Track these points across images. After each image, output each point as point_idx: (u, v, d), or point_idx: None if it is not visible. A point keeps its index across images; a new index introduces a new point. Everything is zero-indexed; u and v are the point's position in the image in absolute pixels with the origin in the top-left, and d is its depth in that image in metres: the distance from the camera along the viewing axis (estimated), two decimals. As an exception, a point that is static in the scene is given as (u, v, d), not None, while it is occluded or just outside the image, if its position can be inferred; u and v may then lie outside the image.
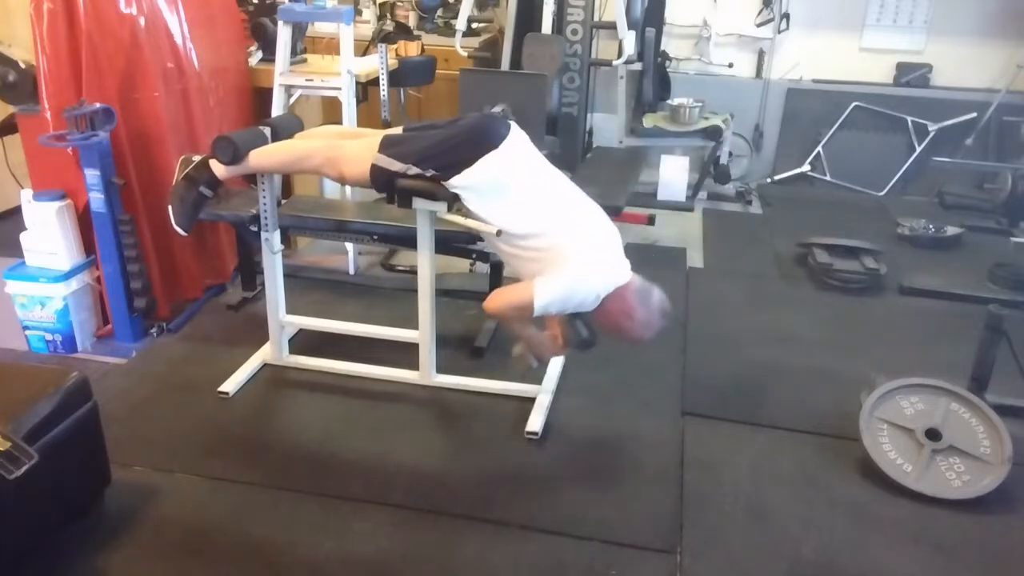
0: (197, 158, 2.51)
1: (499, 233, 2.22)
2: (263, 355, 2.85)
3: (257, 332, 2.91)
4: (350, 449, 2.42)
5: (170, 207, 2.49)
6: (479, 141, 2.25)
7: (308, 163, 2.44)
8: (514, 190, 2.25)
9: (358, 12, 4.61)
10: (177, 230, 2.50)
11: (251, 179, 2.62)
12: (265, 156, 2.44)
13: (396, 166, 2.27)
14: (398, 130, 2.44)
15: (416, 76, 4.03)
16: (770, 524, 2.14)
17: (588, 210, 2.34)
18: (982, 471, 2.26)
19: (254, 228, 2.70)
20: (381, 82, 3.65)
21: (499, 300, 2.31)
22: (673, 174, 4.63)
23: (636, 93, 4.97)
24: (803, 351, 3.08)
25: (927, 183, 5.10)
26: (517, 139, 2.31)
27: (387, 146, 2.30)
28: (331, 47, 4.11)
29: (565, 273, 2.20)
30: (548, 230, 2.22)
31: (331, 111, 3.91)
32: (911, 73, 5.12)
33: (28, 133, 2.88)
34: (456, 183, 2.23)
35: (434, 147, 2.27)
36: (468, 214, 2.29)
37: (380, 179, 2.31)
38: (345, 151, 2.36)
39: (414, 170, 2.26)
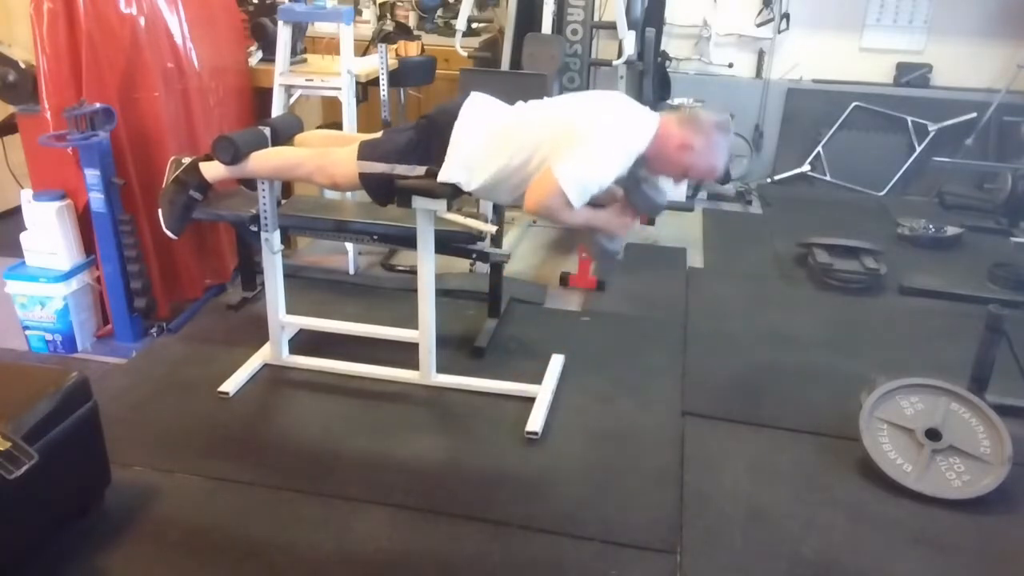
0: (187, 160, 2.52)
1: (499, 233, 2.21)
2: (263, 355, 2.85)
3: (257, 332, 2.91)
4: (350, 449, 2.42)
5: (160, 211, 2.50)
6: (442, 119, 2.27)
7: (299, 171, 2.45)
8: (495, 136, 2.24)
9: (358, 12, 4.61)
10: (167, 233, 2.51)
11: (241, 181, 2.63)
12: (259, 161, 2.45)
13: (380, 167, 2.28)
14: (377, 135, 2.46)
15: (416, 76, 4.03)
16: (770, 524, 2.14)
17: (581, 97, 2.28)
18: (982, 471, 2.26)
19: (254, 228, 2.70)
20: (381, 82, 3.65)
21: (533, 199, 2.14)
22: (670, 187, 4.62)
23: (636, 93, 4.97)
24: (803, 351, 3.08)
25: (927, 183, 5.11)
26: (473, 100, 2.32)
27: (364, 152, 2.32)
28: (331, 47, 4.11)
29: (578, 146, 2.09)
30: (541, 138, 2.17)
31: (331, 111, 3.92)
32: (911, 73, 5.12)
33: (28, 133, 2.88)
34: (447, 171, 2.24)
35: (409, 142, 2.30)
36: (480, 198, 2.26)
37: (372, 184, 2.32)
38: (335, 157, 2.37)
39: (400, 168, 2.27)
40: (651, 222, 4.30)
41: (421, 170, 2.28)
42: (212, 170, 2.47)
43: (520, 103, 2.35)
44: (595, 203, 2.20)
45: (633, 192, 2.22)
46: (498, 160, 2.23)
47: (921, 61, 5.12)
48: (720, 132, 2.17)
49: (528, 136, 2.20)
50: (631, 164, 2.15)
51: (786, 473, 2.36)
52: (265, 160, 2.46)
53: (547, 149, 2.15)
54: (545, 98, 2.35)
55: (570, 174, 2.07)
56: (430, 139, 2.28)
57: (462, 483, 2.27)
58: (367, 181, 2.31)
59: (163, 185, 2.52)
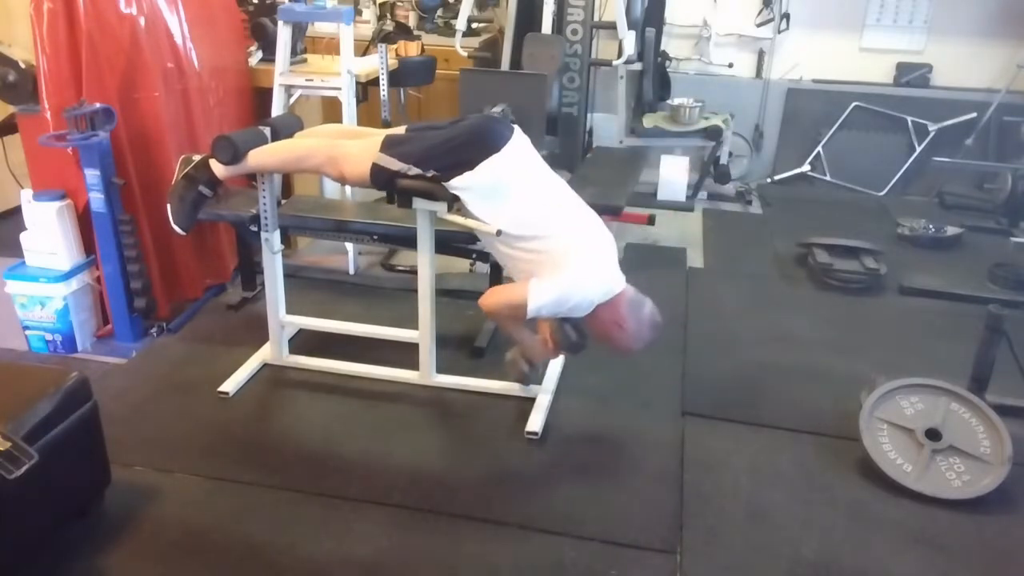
0: (197, 158, 2.51)
1: (498, 233, 2.22)
2: (263, 355, 2.85)
3: (257, 332, 2.91)
4: (350, 449, 2.42)
5: (169, 206, 2.49)
6: (481, 144, 2.25)
7: (309, 162, 2.44)
8: (514, 193, 2.26)
9: (358, 12, 4.61)
10: (176, 229, 2.50)
11: (252, 178, 2.62)
12: (266, 155, 2.44)
13: (397, 165, 2.28)
14: (401, 130, 2.44)
15: (416, 76, 4.03)
16: (770, 524, 2.14)
17: (585, 217, 2.36)
18: (982, 471, 2.26)
19: (254, 228, 2.70)
20: (381, 82, 3.65)
21: (494, 298, 2.35)
22: (673, 174, 4.64)
23: (636, 93, 4.97)
24: (803, 351, 3.08)
25: (927, 183, 5.11)
26: (519, 142, 2.32)
27: (389, 146, 2.30)
28: (331, 47, 4.11)
29: (561, 277, 2.22)
30: (546, 233, 2.24)
31: (331, 111, 3.91)
32: (911, 73, 5.12)
33: (28, 133, 2.88)
34: (457, 184, 2.23)
35: (436, 148, 2.27)
36: (467, 214, 2.30)
37: (380, 178, 2.31)
38: (346, 150, 2.36)
39: (415, 170, 2.27)
40: (651, 222, 4.30)
41: (432, 174, 2.28)
42: (223, 166, 2.47)
43: (547, 179, 2.36)
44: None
45: (560, 331, 2.40)
46: (504, 221, 2.23)
47: (921, 61, 5.12)
48: (652, 330, 2.35)
49: (538, 235, 2.24)
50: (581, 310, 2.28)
51: (786, 473, 2.36)
52: (273, 153, 2.45)
53: (537, 264, 2.25)
54: (565, 193, 2.37)
55: (541, 294, 2.21)
56: (458, 155, 2.25)
57: (462, 483, 2.27)
58: (377, 173, 2.30)
59: (172, 182, 2.51)
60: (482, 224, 2.26)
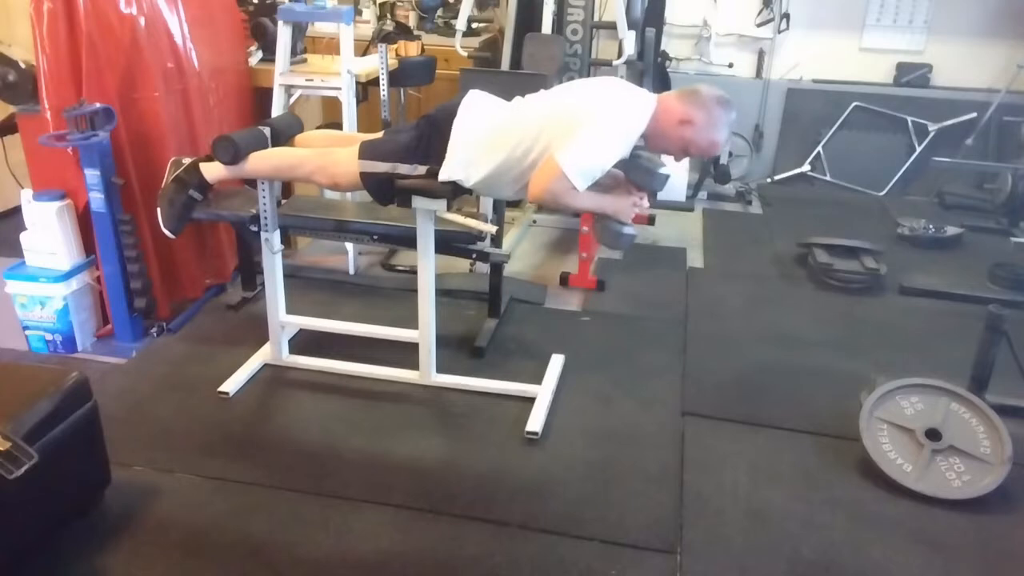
0: (187, 160, 2.52)
1: (499, 233, 2.22)
2: (263, 355, 2.85)
3: (257, 332, 2.91)
4: (350, 449, 2.42)
5: (159, 209, 2.50)
6: (442, 117, 2.28)
7: (300, 171, 2.45)
8: (493, 131, 2.25)
9: (358, 12, 4.60)
10: (166, 232, 2.51)
11: (244, 181, 2.63)
12: (260, 161, 2.45)
13: (383, 167, 2.29)
14: (378, 135, 2.46)
15: (416, 76, 4.03)
16: (770, 524, 2.14)
17: (576, 84, 2.30)
18: (982, 471, 2.26)
19: (254, 228, 2.70)
20: (381, 82, 3.65)
21: (536, 187, 2.17)
22: (672, 170, 4.62)
23: (636, 93, 4.96)
24: (803, 351, 3.08)
25: (927, 183, 5.10)
26: (471, 98, 2.33)
27: (365, 152, 2.32)
28: (331, 47, 4.11)
29: (577, 133, 2.10)
30: (541, 127, 2.18)
31: (331, 111, 3.92)
32: (911, 73, 5.12)
33: (28, 133, 2.88)
34: (447, 169, 2.24)
35: (410, 141, 2.30)
36: (482, 194, 2.27)
37: (373, 184, 2.33)
38: (335, 157, 2.37)
39: (402, 167, 2.28)
40: (651, 222, 4.30)
41: (423, 169, 2.29)
42: (212, 170, 2.48)
43: (518, 98, 2.36)
44: (600, 187, 2.23)
45: (633, 170, 2.24)
46: (499, 153, 2.24)
47: (921, 61, 5.12)
48: (720, 107, 2.17)
49: (528, 127, 2.21)
50: (632, 145, 2.17)
51: (786, 473, 2.36)
52: (265, 160, 2.46)
53: (547, 138, 2.17)
54: (542, 91, 2.36)
55: (572, 159, 2.09)
56: (431, 138, 2.28)
57: (462, 483, 2.27)
58: (368, 181, 2.32)
59: (162, 185, 2.53)
60: (483, 224, 2.26)
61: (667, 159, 2.28)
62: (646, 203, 2.30)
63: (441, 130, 2.27)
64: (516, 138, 2.22)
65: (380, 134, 2.47)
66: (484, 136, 2.26)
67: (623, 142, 2.15)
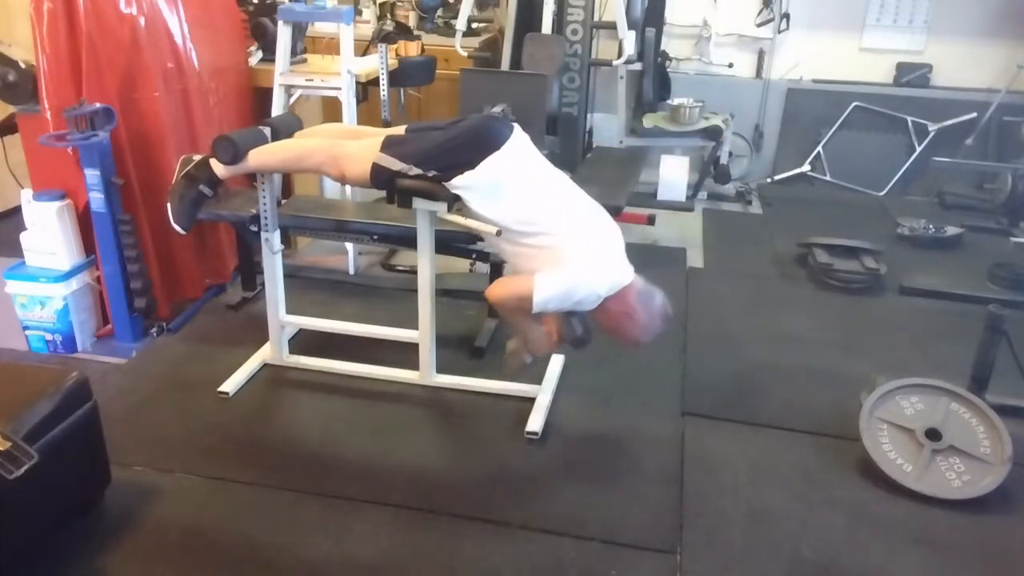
0: (197, 157, 2.51)
1: (499, 233, 2.22)
2: (263, 355, 2.85)
3: (257, 332, 2.91)
4: (350, 449, 2.42)
5: (169, 205, 2.49)
6: (481, 143, 2.25)
7: (309, 162, 2.44)
8: (516, 190, 2.25)
9: (358, 12, 4.61)
10: (176, 228, 2.50)
11: (252, 177, 2.63)
12: (266, 155, 2.44)
13: (397, 165, 2.28)
14: (400, 130, 2.45)
15: (416, 76, 4.03)
16: (770, 524, 2.15)
17: (590, 211, 2.34)
18: (982, 471, 2.26)
19: (254, 228, 2.70)
20: (381, 82, 3.65)
21: (500, 289, 2.32)
22: (673, 174, 4.63)
23: (636, 93, 4.97)
24: (803, 351, 3.08)
25: (927, 183, 5.10)
26: (519, 141, 2.32)
27: (389, 146, 2.30)
28: (331, 47, 4.11)
29: (566, 272, 2.20)
30: (549, 229, 2.23)
31: (331, 111, 3.91)
32: (911, 73, 5.12)
33: (28, 133, 2.88)
34: (457, 183, 2.23)
35: (436, 148, 2.27)
36: (468, 213, 2.30)
37: (380, 177, 2.31)
38: (347, 150, 2.36)
39: (415, 170, 2.27)
40: (651, 222, 4.30)
41: (432, 174, 2.27)
42: (223, 166, 2.47)
43: (556, 174, 2.37)
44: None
45: (565, 323, 2.36)
46: (506, 217, 2.23)
47: (921, 61, 5.11)
48: (663, 322, 2.33)
49: (539, 231, 2.22)
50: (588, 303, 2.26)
51: (786, 473, 2.36)
52: (273, 153, 2.45)
53: (542, 260, 2.22)
54: (568, 187, 2.36)
55: (546, 288, 2.18)
56: (459, 152, 2.25)
57: (462, 483, 2.27)
58: (377, 172, 2.30)
59: (172, 181, 2.52)
60: (483, 224, 2.26)
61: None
62: (555, 345, 2.46)
63: (473, 150, 2.24)
64: (527, 227, 2.22)
65: (402, 129, 2.44)
66: (506, 195, 2.24)
67: (588, 299, 2.23)
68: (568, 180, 2.40)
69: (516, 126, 2.35)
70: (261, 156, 2.43)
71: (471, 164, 2.22)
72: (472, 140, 2.26)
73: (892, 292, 3.64)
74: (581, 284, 2.20)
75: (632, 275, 2.30)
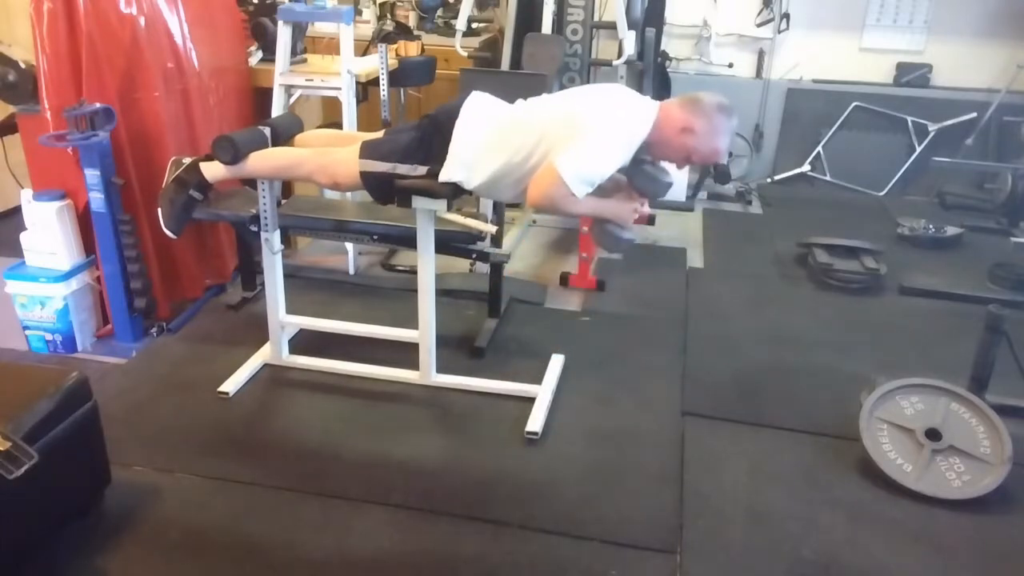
0: (187, 160, 2.52)
1: (499, 233, 2.22)
2: (263, 355, 2.85)
3: (257, 332, 2.91)
4: (350, 449, 2.42)
5: (160, 209, 2.50)
6: (444, 117, 2.28)
7: (300, 170, 2.45)
8: (499, 135, 2.25)
9: (358, 12, 4.60)
10: (167, 232, 2.51)
11: (244, 181, 2.63)
12: (260, 161, 2.45)
13: (383, 166, 2.29)
14: (378, 134, 2.46)
15: (416, 76, 4.03)
16: (770, 524, 2.14)
17: (577, 90, 2.30)
18: (982, 471, 2.26)
19: (254, 228, 2.70)
20: (381, 82, 3.65)
21: (535, 193, 2.15)
22: (673, 174, 4.63)
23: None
24: (803, 351, 3.08)
25: (927, 183, 5.11)
26: (474, 99, 2.33)
27: (366, 151, 2.32)
28: (331, 47, 4.11)
29: (577, 139, 2.10)
30: (540, 134, 2.18)
31: (331, 111, 3.91)
32: (911, 73, 5.12)
33: (28, 133, 2.88)
34: (447, 170, 2.24)
35: (411, 141, 2.30)
36: (482, 196, 2.27)
37: (373, 183, 2.32)
38: (335, 157, 2.37)
39: (402, 167, 2.28)
40: (651, 222, 4.30)
41: (423, 170, 2.29)
42: (212, 170, 2.47)
43: (520, 101, 2.36)
44: (601, 192, 2.22)
45: (636, 176, 2.24)
46: (500, 157, 2.23)
47: (921, 61, 5.12)
48: (722, 114, 2.17)
49: (529, 132, 2.21)
50: (633, 152, 2.17)
51: (786, 473, 2.36)
52: (265, 160, 2.46)
53: (548, 143, 2.17)
54: (545, 95, 2.36)
55: (571, 165, 2.09)
56: (432, 138, 2.28)
57: (462, 483, 2.27)
58: (368, 180, 2.32)
59: (163, 185, 2.53)
60: (483, 224, 2.26)
61: (669, 166, 2.28)
62: (647, 208, 2.30)
63: (443, 131, 2.27)
64: (518, 142, 2.22)
65: (381, 133, 2.47)
66: (485, 138, 2.26)
67: (624, 149, 2.15)
68: (550, 96, 2.35)
69: (473, 92, 2.35)
70: (255, 163, 2.44)
71: (446, 143, 2.24)
72: (436, 120, 2.29)
73: (892, 292, 3.64)
74: (602, 137, 2.10)
75: (657, 104, 2.20)
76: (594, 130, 2.11)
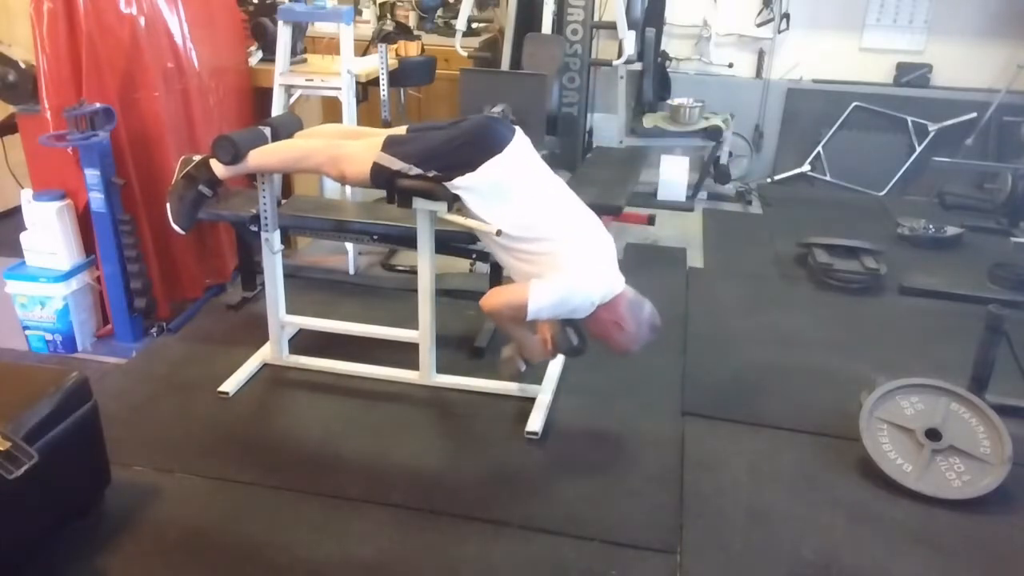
0: (197, 157, 2.51)
1: (499, 233, 2.23)
2: (263, 355, 2.85)
3: (257, 332, 2.91)
4: (350, 449, 2.42)
5: (169, 205, 2.50)
6: (483, 144, 2.25)
7: (309, 162, 2.44)
8: (515, 194, 2.26)
9: (358, 12, 4.61)
10: (176, 228, 2.51)
11: (252, 178, 2.63)
12: (266, 155, 2.44)
13: (398, 165, 2.28)
14: (402, 130, 2.45)
15: (416, 76, 4.03)
16: (770, 524, 2.14)
17: (585, 219, 2.36)
18: (982, 471, 2.26)
19: (254, 228, 2.70)
20: (381, 82, 3.65)
21: (495, 299, 2.34)
22: (673, 174, 4.64)
23: (636, 93, 4.97)
24: (803, 351, 3.08)
25: (927, 183, 5.10)
26: (520, 143, 2.32)
27: (390, 145, 2.31)
28: (331, 47, 4.11)
29: (561, 279, 2.22)
30: (546, 235, 2.24)
31: (331, 111, 3.91)
32: (911, 73, 5.12)
33: (28, 133, 2.88)
34: (458, 184, 2.23)
35: (437, 148, 2.28)
36: (468, 214, 2.30)
37: (380, 177, 2.31)
38: (347, 150, 2.36)
39: (415, 170, 2.27)
40: (651, 222, 4.30)
41: (432, 174, 2.28)
42: (223, 166, 2.47)
43: (555, 180, 2.38)
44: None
45: (560, 332, 2.40)
46: (504, 222, 2.23)
47: (921, 61, 5.12)
48: (651, 331, 2.36)
49: (538, 238, 2.24)
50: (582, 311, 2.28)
51: (786, 473, 2.36)
52: (273, 153, 2.45)
53: (540, 268, 2.24)
54: (565, 193, 2.37)
55: (541, 295, 2.20)
56: (459, 153, 2.25)
57: (462, 483, 2.27)
58: (378, 172, 2.30)
59: (172, 182, 2.52)
60: (482, 224, 2.26)
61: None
62: (550, 353, 2.53)
63: (475, 151, 2.24)
64: (525, 232, 2.23)
65: (403, 129, 2.45)
66: (506, 199, 2.25)
67: (583, 306, 2.25)
68: (564, 186, 2.41)
69: (518, 129, 2.36)
70: (261, 156, 2.43)
71: (472, 165, 2.22)
72: (473, 141, 2.26)
73: (892, 292, 3.64)
74: (576, 291, 2.22)
75: (623, 284, 2.32)
76: (576, 279, 2.23)
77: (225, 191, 2.71)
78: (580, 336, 2.38)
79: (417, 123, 2.56)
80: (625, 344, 2.35)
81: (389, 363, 2.80)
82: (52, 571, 1.90)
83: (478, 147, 2.24)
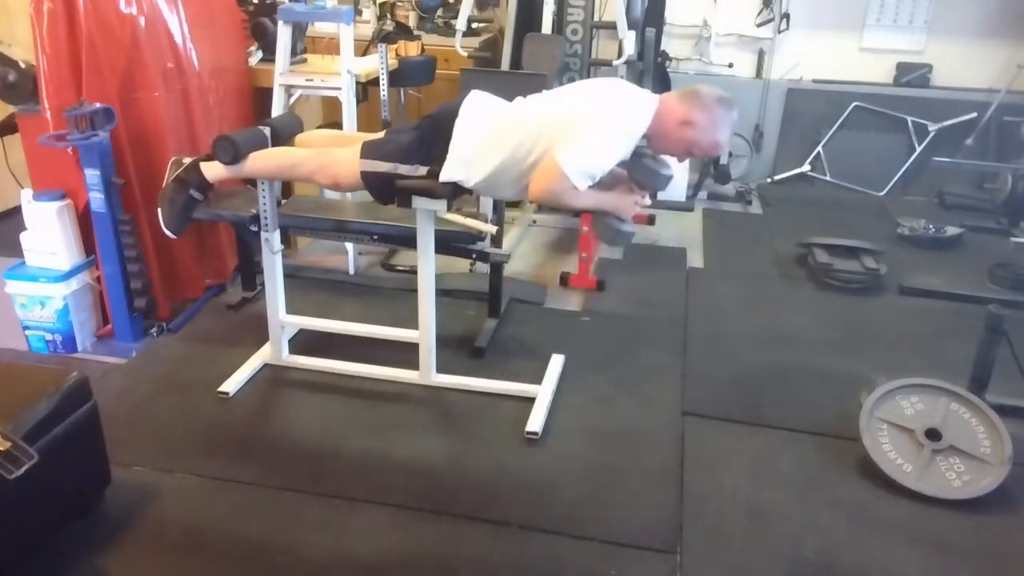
0: (187, 160, 2.52)
1: (498, 233, 2.22)
2: (263, 355, 2.85)
3: (257, 332, 2.91)
4: (350, 449, 2.42)
5: (160, 209, 2.51)
6: (444, 116, 2.28)
7: (301, 170, 2.45)
8: (500, 132, 2.25)
9: (358, 12, 4.60)
10: (167, 232, 2.52)
11: (244, 180, 2.63)
12: (260, 161, 2.45)
13: (384, 166, 2.29)
14: (379, 135, 2.46)
15: (416, 76, 4.03)
16: (770, 524, 2.14)
17: (575, 85, 2.32)
18: (982, 471, 2.26)
19: (254, 228, 2.70)
20: (381, 82, 3.65)
21: (537, 186, 2.19)
22: (673, 173, 4.62)
23: (636, 93, 4.96)
24: (803, 351, 3.08)
25: (927, 183, 5.10)
26: (474, 97, 2.33)
27: (367, 151, 2.32)
28: (331, 47, 4.11)
29: (576, 130, 2.12)
30: (539, 128, 2.19)
31: (331, 111, 3.92)
32: (911, 73, 5.12)
33: (28, 133, 2.88)
34: (449, 169, 2.25)
35: (412, 142, 2.30)
36: (483, 194, 2.27)
37: (374, 184, 2.33)
38: (335, 157, 2.38)
39: (403, 167, 2.28)
40: (651, 221, 4.30)
41: (424, 170, 2.29)
42: (213, 170, 2.48)
43: (519, 98, 2.36)
44: (602, 185, 2.23)
45: (636, 170, 2.25)
46: (500, 154, 2.24)
47: (921, 61, 5.12)
48: (722, 106, 2.17)
49: (529, 127, 2.22)
50: (633, 146, 2.18)
51: (786, 473, 2.36)
52: (265, 160, 2.46)
53: (549, 138, 2.17)
54: (544, 91, 2.36)
55: (573, 159, 2.10)
56: (432, 138, 2.29)
57: (462, 483, 2.27)
58: (369, 180, 2.32)
59: (163, 185, 2.53)
60: (482, 224, 2.26)
61: (671, 159, 2.29)
62: (647, 201, 2.31)
63: (443, 130, 2.27)
64: (518, 138, 2.22)
65: (382, 134, 2.47)
66: (485, 136, 2.26)
67: (624, 143, 2.16)
68: (549, 92, 2.36)
69: (472, 91, 2.35)
70: (255, 162, 2.44)
71: (446, 142, 2.24)
72: (435, 121, 2.30)
73: (892, 292, 3.64)
74: (602, 131, 2.11)
75: (657, 97, 2.21)
76: (594, 124, 2.12)
77: (216, 194, 2.71)
78: (656, 163, 2.21)
79: (392, 127, 2.57)
80: (709, 137, 2.16)
81: (389, 363, 2.80)
82: (52, 571, 1.90)
83: (441, 122, 2.27)
